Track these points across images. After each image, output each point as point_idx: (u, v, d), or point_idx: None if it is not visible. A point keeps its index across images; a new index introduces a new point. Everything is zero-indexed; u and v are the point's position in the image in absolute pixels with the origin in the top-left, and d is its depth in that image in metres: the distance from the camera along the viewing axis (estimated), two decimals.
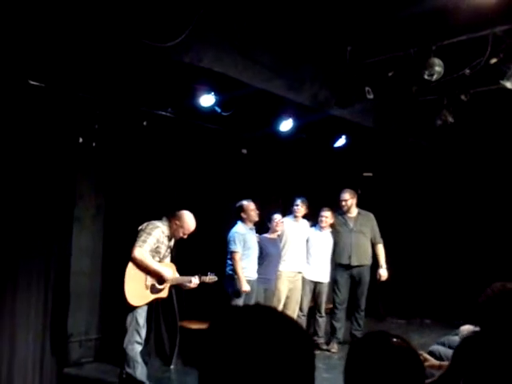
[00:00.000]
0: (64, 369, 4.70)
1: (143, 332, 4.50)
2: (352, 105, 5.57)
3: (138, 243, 4.33)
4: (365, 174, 8.05)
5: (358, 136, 6.75)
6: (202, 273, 4.79)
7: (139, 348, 4.48)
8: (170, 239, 4.61)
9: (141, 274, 4.42)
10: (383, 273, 6.26)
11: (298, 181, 6.93)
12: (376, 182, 8.06)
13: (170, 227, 4.56)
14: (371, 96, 5.35)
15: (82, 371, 5.15)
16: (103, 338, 5.46)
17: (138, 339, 4.45)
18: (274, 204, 6.67)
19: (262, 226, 5.93)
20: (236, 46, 4.43)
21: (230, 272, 5.42)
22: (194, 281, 4.71)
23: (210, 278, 4.88)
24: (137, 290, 4.41)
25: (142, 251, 4.32)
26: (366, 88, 5.29)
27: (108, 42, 3.75)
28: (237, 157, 6.34)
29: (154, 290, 4.52)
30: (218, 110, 5.24)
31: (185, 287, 4.79)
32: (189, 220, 4.62)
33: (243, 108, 5.43)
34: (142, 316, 4.48)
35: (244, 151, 6.31)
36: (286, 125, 5.83)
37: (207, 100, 4.97)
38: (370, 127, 6.39)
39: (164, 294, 4.63)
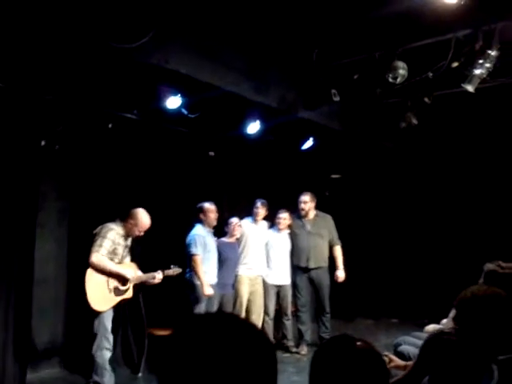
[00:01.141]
0: (28, 378, 4.57)
1: (111, 337, 4.44)
2: (319, 107, 5.61)
3: (95, 248, 4.30)
4: (333, 176, 8.12)
5: (326, 138, 6.80)
6: (164, 267, 4.78)
7: (108, 354, 4.42)
8: (126, 239, 4.56)
9: (102, 278, 4.37)
10: (340, 274, 6.28)
11: (266, 183, 6.92)
12: (344, 184, 8.14)
13: (125, 227, 4.53)
14: (337, 98, 5.40)
15: (48, 381, 5.01)
16: (68, 347, 5.33)
17: (107, 345, 4.40)
18: (242, 206, 6.64)
19: (221, 230, 5.86)
20: (203, 47, 4.40)
21: (190, 277, 5.32)
22: (158, 276, 4.70)
23: (174, 270, 4.88)
24: (100, 294, 4.36)
25: (98, 256, 4.29)
26: (332, 90, 5.34)
27: (72, 42, 3.67)
28: (204, 159, 6.29)
29: (118, 292, 4.48)
30: (185, 112, 5.18)
31: (149, 284, 4.76)
32: (143, 218, 4.59)
33: (210, 110, 5.40)
34: (108, 320, 4.43)
35: (211, 154, 6.27)
36: (254, 127, 5.81)
37: (174, 102, 4.92)
38: (336, 129, 6.45)
39: (129, 294, 4.59)
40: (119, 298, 4.49)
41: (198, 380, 0.93)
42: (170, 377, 0.97)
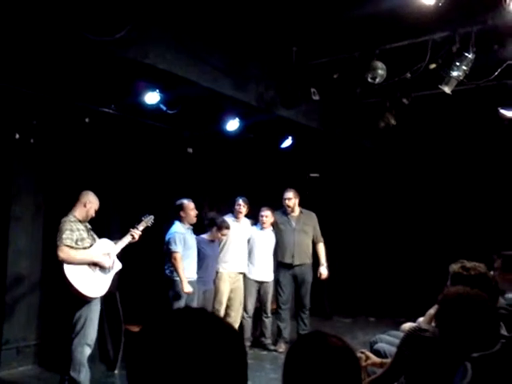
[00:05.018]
0: (0, 376, 4.50)
1: (95, 333, 4.37)
2: (298, 106, 5.61)
3: (57, 244, 4.21)
4: (312, 175, 8.16)
5: (304, 137, 6.83)
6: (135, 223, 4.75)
7: (88, 351, 4.34)
8: (82, 222, 4.47)
9: (83, 266, 4.29)
10: (323, 271, 6.33)
11: (245, 181, 6.92)
12: (323, 183, 8.19)
13: (79, 212, 4.44)
14: (317, 97, 5.41)
15: (20, 379, 4.93)
16: (43, 344, 5.26)
17: (89, 341, 4.32)
18: (222, 204, 6.63)
19: (200, 227, 5.82)
20: (181, 43, 4.37)
21: (170, 274, 5.29)
22: (136, 233, 4.66)
23: (147, 220, 4.83)
24: (90, 280, 4.28)
25: (62, 249, 4.19)
26: (312, 89, 5.35)
27: (48, 33, 3.60)
28: (182, 156, 6.25)
29: (106, 270, 4.43)
30: (164, 107, 5.15)
31: (133, 242, 4.71)
32: (94, 196, 4.56)
33: (189, 106, 5.37)
34: (96, 316, 4.35)
35: (190, 150, 6.24)
36: (233, 124, 5.81)
37: (152, 97, 4.88)
38: (315, 128, 6.47)
39: (118, 266, 4.55)
40: (111, 274, 4.47)
41: (166, 375, 0.92)
42: (137, 371, 0.97)
